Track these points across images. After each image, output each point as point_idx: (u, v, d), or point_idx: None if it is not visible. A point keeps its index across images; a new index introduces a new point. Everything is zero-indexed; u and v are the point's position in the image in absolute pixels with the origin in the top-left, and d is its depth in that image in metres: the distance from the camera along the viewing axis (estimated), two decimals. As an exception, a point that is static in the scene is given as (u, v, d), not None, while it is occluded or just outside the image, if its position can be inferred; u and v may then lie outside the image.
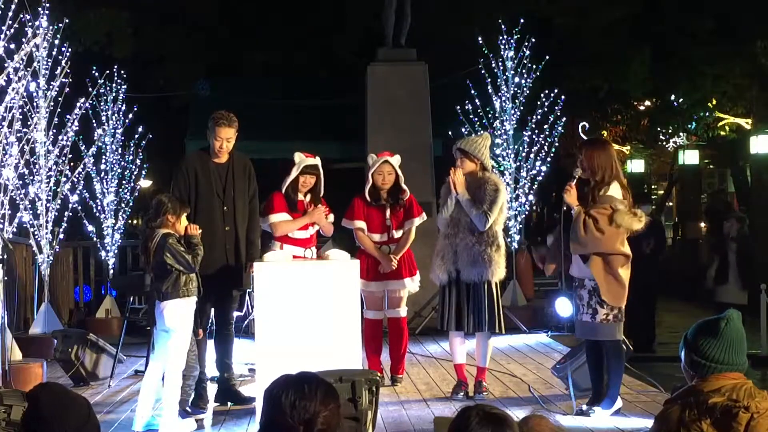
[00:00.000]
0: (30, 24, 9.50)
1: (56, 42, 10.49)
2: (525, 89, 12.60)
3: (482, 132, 10.16)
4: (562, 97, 12.69)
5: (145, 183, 16.92)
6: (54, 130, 10.71)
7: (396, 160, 8.20)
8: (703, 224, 21.94)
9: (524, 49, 12.48)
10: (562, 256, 7.07)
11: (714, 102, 17.28)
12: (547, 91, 12.67)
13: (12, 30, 9.16)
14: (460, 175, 7.53)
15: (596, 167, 6.92)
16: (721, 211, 20.24)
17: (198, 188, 7.32)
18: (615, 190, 6.90)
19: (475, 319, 7.54)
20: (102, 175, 12.46)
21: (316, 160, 7.77)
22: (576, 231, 6.86)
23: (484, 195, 7.49)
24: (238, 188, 7.44)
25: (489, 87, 12.61)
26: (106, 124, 12.43)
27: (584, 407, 7.06)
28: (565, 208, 7.06)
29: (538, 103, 12.63)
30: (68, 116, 10.89)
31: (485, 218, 7.45)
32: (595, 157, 6.94)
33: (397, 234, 8.24)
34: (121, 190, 12.71)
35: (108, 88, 12.38)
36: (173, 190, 7.31)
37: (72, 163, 11.41)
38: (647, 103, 20.04)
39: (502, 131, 12.64)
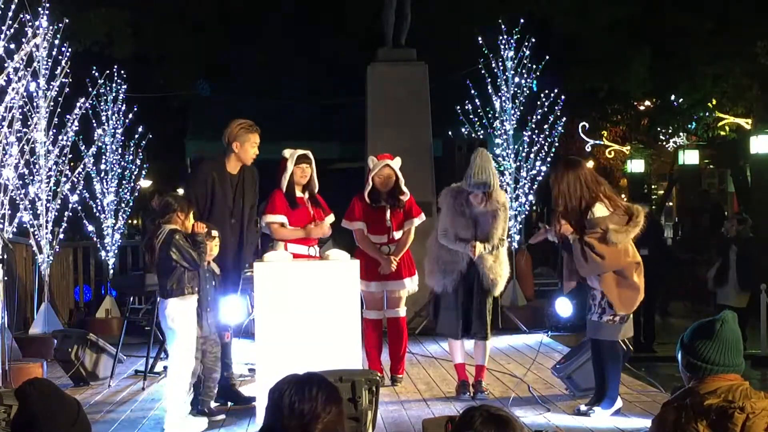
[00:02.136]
0: (30, 24, 9.50)
1: (56, 42, 10.47)
2: (525, 89, 12.60)
3: (480, 150, 8.77)
4: (562, 97, 12.69)
5: (145, 183, 16.89)
6: (54, 130, 10.70)
7: (396, 163, 8.18)
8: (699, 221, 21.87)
9: (524, 49, 12.48)
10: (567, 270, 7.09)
11: (714, 102, 17.28)
12: (546, 91, 12.67)
13: (12, 30, 9.17)
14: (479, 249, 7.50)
15: (569, 195, 6.86)
16: (706, 209, 20.26)
17: (214, 199, 7.32)
18: (600, 210, 6.87)
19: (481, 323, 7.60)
20: (102, 175, 12.45)
21: (307, 151, 7.88)
22: (579, 260, 6.88)
23: (490, 219, 7.50)
24: (247, 199, 7.47)
25: (489, 87, 12.61)
26: (106, 124, 12.42)
27: (584, 407, 7.06)
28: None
29: (538, 103, 12.63)
30: (68, 116, 10.87)
31: (497, 249, 7.53)
32: (564, 185, 6.88)
33: (397, 235, 8.24)
34: (121, 190, 12.69)
35: (108, 88, 12.37)
36: (187, 195, 7.28)
37: (72, 163, 11.41)
38: (647, 103, 20.05)
39: (502, 131, 12.64)
